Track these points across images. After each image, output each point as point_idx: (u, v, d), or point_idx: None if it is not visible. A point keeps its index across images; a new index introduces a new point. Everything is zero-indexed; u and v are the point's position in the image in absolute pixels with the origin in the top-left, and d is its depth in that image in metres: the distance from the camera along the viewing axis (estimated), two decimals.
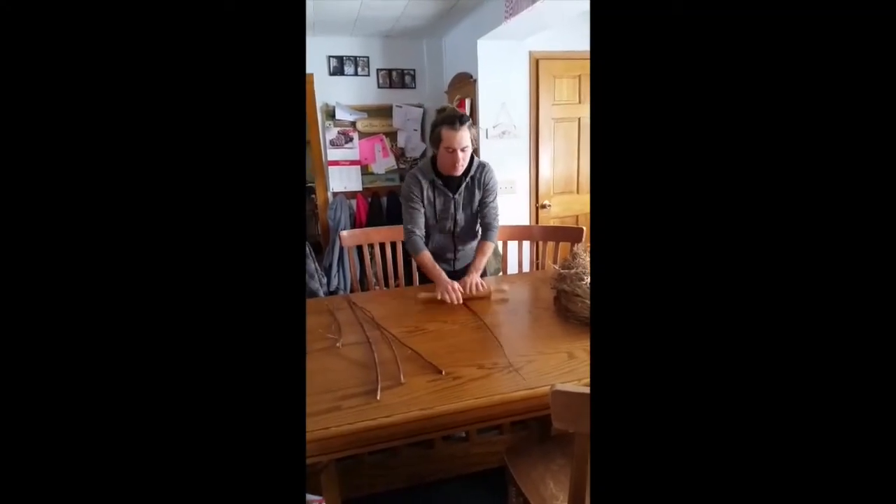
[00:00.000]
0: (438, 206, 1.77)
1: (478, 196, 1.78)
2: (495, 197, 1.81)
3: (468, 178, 1.75)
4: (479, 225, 1.85)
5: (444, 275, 1.64)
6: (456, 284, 1.58)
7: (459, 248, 1.87)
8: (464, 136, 1.62)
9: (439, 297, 1.56)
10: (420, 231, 1.74)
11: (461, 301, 1.54)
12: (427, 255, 1.71)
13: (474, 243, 1.91)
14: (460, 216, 1.79)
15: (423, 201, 1.74)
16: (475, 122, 2.95)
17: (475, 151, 1.75)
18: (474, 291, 1.58)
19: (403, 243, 1.81)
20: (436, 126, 1.66)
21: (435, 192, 1.75)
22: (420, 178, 1.73)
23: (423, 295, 1.57)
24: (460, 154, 1.64)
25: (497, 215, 1.81)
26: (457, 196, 1.75)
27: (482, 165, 1.78)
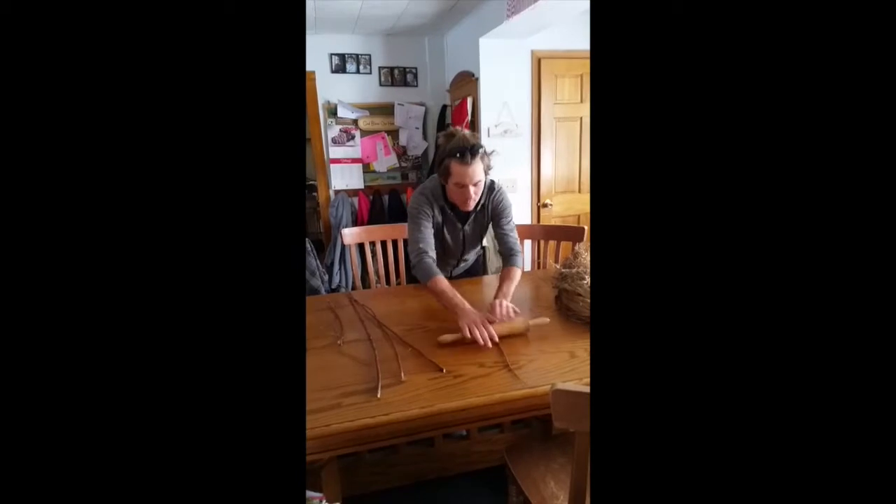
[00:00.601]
0: (447, 235, 1.63)
1: (487, 218, 1.63)
2: (511, 219, 1.61)
3: (479, 206, 1.56)
4: (478, 250, 1.78)
5: (467, 305, 1.28)
6: (484, 318, 1.22)
7: (462, 264, 1.83)
8: (476, 170, 1.40)
9: (465, 337, 1.19)
10: (432, 252, 1.49)
11: (494, 339, 1.18)
12: (442, 281, 1.40)
13: (476, 254, 1.87)
14: (467, 244, 1.69)
15: (432, 221, 1.55)
16: (477, 121, 2.94)
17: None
18: (506, 316, 1.25)
19: (411, 267, 1.52)
20: (444, 157, 1.43)
21: (444, 219, 1.59)
22: (431, 199, 1.54)
23: (446, 337, 1.21)
24: (472, 189, 1.43)
25: (517, 238, 1.61)
26: (466, 227, 1.63)
27: (491, 187, 1.58)
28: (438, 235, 1.61)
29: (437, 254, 1.61)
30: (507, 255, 1.59)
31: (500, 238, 1.61)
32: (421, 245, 1.49)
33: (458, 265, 1.82)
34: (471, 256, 1.83)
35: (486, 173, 1.47)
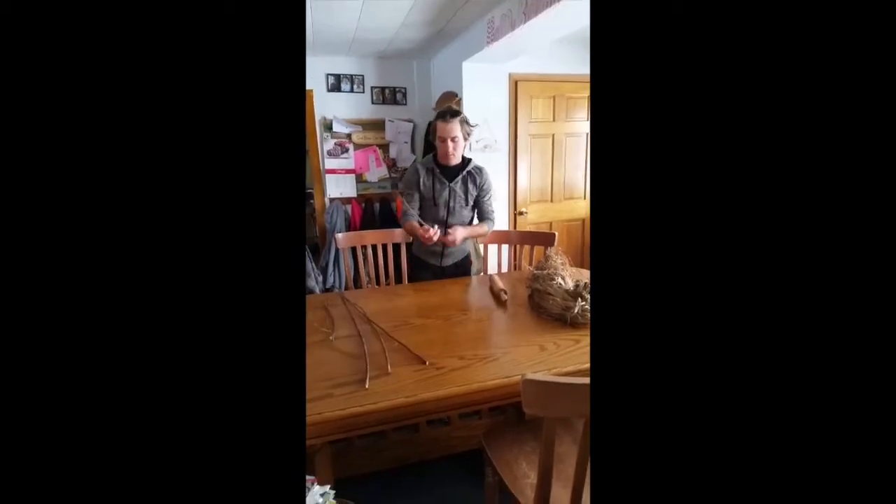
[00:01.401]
0: (436, 190, 1.83)
1: (472, 192, 1.86)
2: (490, 196, 1.90)
3: (465, 172, 1.82)
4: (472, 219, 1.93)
5: (426, 226, 1.73)
6: (437, 232, 1.70)
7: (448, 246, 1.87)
8: (453, 126, 1.72)
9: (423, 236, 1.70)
10: (415, 210, 1.82)
11: (433, 240, 1.70)
12: (412, 222, 1.79)
13: (463, 245, 1.93)
14: (453, 204, 1.84)
15: (419, 187, 1.82)
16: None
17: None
18: (456, 241, 1.75)
19: (401, 216, 1.91)
20: (432, 122, 1.78)
21: (433, 178, 1.82)
22: (420, 167, 1.84)
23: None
24: (450, 144, 1.74)
25: (492, 210, 1.91)
26: (452, 184, 1.82)
27: (480, 169, 1.86)
28: (427, 192, 1.84)
29: (428, 220, 1.85)
30: (482, 217, 1.92)
31: (480, 204, 1.91)
32: (405, 207, 1.86)
33: (444, 250, 1.91)
34: (459, 245, 1.88)
35: (466, 139, 1.77)
